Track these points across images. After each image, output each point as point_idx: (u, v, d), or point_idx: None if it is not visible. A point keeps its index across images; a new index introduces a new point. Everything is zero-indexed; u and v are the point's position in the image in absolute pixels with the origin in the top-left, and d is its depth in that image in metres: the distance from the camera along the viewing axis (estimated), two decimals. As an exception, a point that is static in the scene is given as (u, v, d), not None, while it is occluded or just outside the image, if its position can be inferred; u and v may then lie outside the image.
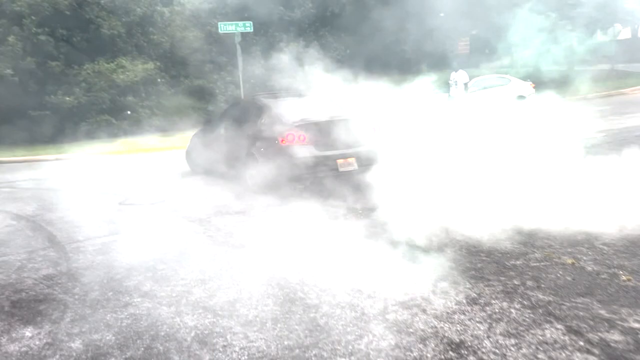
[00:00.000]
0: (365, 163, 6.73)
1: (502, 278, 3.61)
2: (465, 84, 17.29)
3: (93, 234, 5.52)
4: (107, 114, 16.61)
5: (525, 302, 3.19)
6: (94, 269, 4.31)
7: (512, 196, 5.15)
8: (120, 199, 7.44)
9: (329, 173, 6.87)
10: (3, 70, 15.77)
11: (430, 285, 3.53)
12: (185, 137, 13.74)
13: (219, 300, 3.49)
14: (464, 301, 3.27)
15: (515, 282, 3.52)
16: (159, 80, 17.79)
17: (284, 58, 17.46)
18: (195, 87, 18.70)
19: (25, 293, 3.84)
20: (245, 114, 7.98)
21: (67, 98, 16.06)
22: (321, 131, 6.96)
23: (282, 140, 6.85)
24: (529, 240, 4.37)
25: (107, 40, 17.52)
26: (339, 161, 6.88)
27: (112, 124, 16.44)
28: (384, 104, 7.89)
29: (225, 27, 17.03)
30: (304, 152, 6.78)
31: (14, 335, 3.17)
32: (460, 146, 6.46)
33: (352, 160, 6.94)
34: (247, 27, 16.99)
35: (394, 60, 19.71)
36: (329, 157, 6.86)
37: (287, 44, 20.04)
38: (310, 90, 7.82)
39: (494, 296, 3.32)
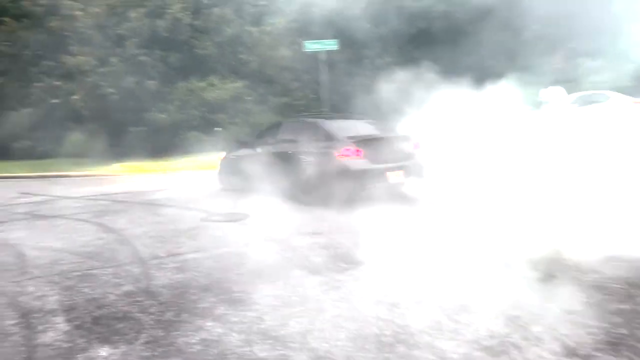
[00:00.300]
0: (411, 176, 7.53)
1: (605, 325, 3.17)
2: (559, 100, 16.20)
3: (175, 251, 5.63)
4: (198, 130, 17.35)
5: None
6: (171, 288, 4.35)
7: (607, 219, 4.63)
8: (203, 215, 7.60)
9: (381, 185, 7.51)
10: (106, 89, 17.03)
11: (519, 328, 3.17)
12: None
13: (291, 330, 3.35)
14: (559, 351, 2.89)
15: (623, 332, 3.07)
16: (247, 98, 18.33)
17: (369, 74, 17.39)
18: (282, 104, 19.08)
19: (106, 309, 3.92)
20: (294, 132, 8.59)
21: (162, 115, 16.98)
22: (372, 146, 7.64)
23: (339, 155, 7.52)
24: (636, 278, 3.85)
25: (200, 59, 18.37)
26: (389, 173, 7.55)
27: (202, 139, 17.13)
28: (466, 118, 7.61)
29: (311, 46, 17.28)
30: (359, 165, 7.46)
31: (91, 353, 3.21)
32: (544, 163, 6.00)
33: (400, 172, 7.64)
34: (333, 45, 17.14)
35: (484, 74, 18.97)
36: (381, 169, 7.52)
37: (372, 60, 19.99)
38: (366, 110, 8.08)
39: (596, 347, 2.91)
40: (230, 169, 9.80)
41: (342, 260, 4.85)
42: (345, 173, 7.39)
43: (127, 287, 4.43)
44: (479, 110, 8.04)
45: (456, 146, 7.81)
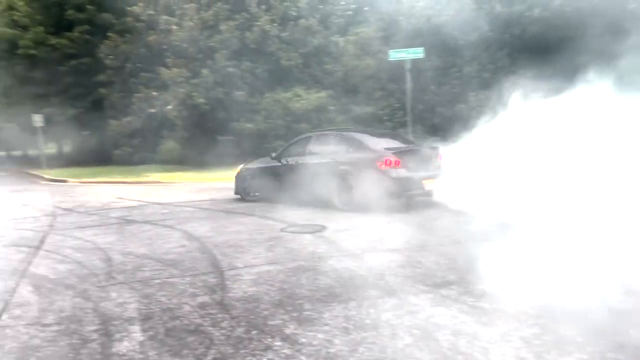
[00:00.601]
0: (441, 184, 8.07)
1: None
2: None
3: (252, 262, 5.64)
4: (283, 139, 17.61)
5: None
6: (244, 302, 4.32)
7: None
8: (282, 225, 7.61)
9: (417, 192, 8.32)
10: (197, 99, 17.81)
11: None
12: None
13: (360, 358, 3.16)
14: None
15: None
16: (330, 107, 18.38)
17: (456, 83, 16.76)
18: (365, 114, 18.93)
19: (180, 321, 3.95)
20: (326, 145, 9.29)
21: (249, 125, 17.45)
22: (407, 157, 8.41)
23: (381, 164, 8.23)
24: None
25: (286, 70, 18.70)
26: (424, 181, 8.28)
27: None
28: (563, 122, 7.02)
29: (396, 55, 17.01)
30: (399, 173, 8.20)
31: (160, 366, 3.23)
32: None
33: (432, 180, 8.29)
34: (419, 53, 16.75)
35: (583, 81, 17.68)
36: (418, 177, 8.28)
37: (460, 68, 19.31)
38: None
39: None
40: (256, 179, 10.35)
41: (420, 282, 4.59)
42: (388, 181, 8.10)
43: (203, 298, 4.46)
44: (575, 119, 7.40)
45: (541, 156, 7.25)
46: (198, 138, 18.67)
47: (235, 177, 10.88)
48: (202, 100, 17.95)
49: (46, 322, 4.01)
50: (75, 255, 6.30)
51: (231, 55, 18.24)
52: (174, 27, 18.86)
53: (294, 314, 3.95)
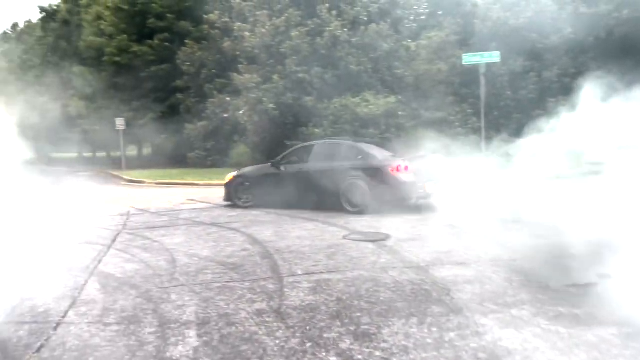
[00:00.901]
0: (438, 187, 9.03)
1: None
2: None
3: (311, 269, 5.53)
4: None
5: None
6: (301, 311, 4.20)
7: None
8: (344, 233, 7.45)
9: (422, 195, 8.97)
10: (267, 104, 18.07)
11: None
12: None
13: (419, 381, 2.95)
14: None
15: None
16: (399, 113, 18.03)
17: (533, 88, 15.92)
18: (435, 119, 18.43)
19: (235, 327, 3.89)
20: (332, 153, 9.83)
21: (316, 130, 17.45)
22: (412, 163, 9.06)
23: (393, 170, 8.97)
24: None
25: (355, 76, 18.56)
26: (426, 185, 9.04)
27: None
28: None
29: (470, 59, 16.45)
30: (408, 178, 8.94)
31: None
32: None
33: (431, 184, 9.08)
34: (494, 57, 16.10)
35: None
36: (422, 181, 8.99)
37: (539, 73, 18.36)
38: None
39: None
40: (254, 186, 10.51)
41: (490, 300, 4.28)
42: (400, 185, 8.87)
43: (260, 305, 4.39)
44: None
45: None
46: (267, 143, 18.90)
47: (227, 184, 10.99)
48: (271, 105, 18.17)
49: (108, 322, 4.09)
50: (143, 255, 6.47)
51: (301, 61, 18.34)
52: (247, 33, 19.25)
53: (351, 328, 3.78)
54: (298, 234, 7.52)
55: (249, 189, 10.62)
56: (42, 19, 40.65)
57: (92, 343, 3.65)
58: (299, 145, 10.88)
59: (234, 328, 3.88)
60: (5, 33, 53.21)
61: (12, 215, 6.57)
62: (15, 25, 54.71)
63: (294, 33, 18.32)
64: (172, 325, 3.96)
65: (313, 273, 5.37)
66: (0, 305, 4.37)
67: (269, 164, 10.66)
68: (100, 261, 6.25)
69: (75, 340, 3.70)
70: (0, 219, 6.16)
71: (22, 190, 7.48)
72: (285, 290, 4.81)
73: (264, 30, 18.88)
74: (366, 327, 3.79)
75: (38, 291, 4.78)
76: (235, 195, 10.73)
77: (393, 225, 7.85)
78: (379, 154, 9.63)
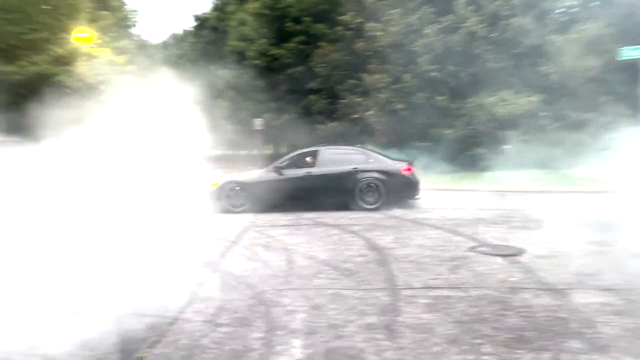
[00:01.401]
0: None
1: None
2: None
3: (430, 282, 5.14)
4: (484, 147, 16.45)
5: None
6: (415, 330, 3.87)
7: None
8: (471, 244, 6.89)
9: (419, 191, 10.54)
10: (397, 105, 17.70)
11: None
12: (566, 175, 13.09)
13: None
14: None
15: None
16: (541, 113, 16.56)
17: None
18: (583, 120, 16.63)
19: (342, 341, 3.68)
20: (340, 157, 10.74)
21: (447, 131, 16.71)
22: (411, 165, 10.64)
23: (403, 170, 10.43)
24: None
25: (492, 73, 17.43)
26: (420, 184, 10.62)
27: (485, 157, 16.18)
28: None
29: (630, 53, 14.59)
30: (414, 177, 10.53)
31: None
32: None
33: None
34: (660, 49, 14.07)
35: None
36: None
37: None
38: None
39: None
40: (251, 192, 10.50)
41: (644, 339, 3.57)
42: (409, 183, 10.43)
43: (371, 319, 4.14)
44: None
45: None
46: (395, 144, 18.54)
47: (216, 190, 10.57)
48: (401, 105, 17.77)
49: (219, 322, 4.12)
50: (263, 254, 6.56)
51: (434, 59, 17.68)
52: (379, 32, 19.04)
53: (470, 357, 3.37)
54: (420, 242, 7.11)
55: (246, 195, 10.55)
56: (195, 27, 44.42)
57: (201, 343, 3.68)
58: (301, 151, 11.44)
59: (340, 342, 3.68)
60: (164, 42, 59.14)
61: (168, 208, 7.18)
62: (174, 35, 60.58)
63: (427, 30, 17.72)
64: (279, 332, 3.87)
65: (432, 287, 4.97)
66: (128, 296, 4.64)
67: (268, 168, 11.10)
68: (223, 257, 6.46)
69: (186, 339, 3.77)
70: (149, 212, 6.78)
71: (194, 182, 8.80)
72: (400, 304, 4.50)
73: (396, 29, 18.53)
74: (487, 357, 3.35)
75: (163, 284, 5.02)
76: (226, 202, 10.55)
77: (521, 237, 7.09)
78: (385, 158, 10.95)
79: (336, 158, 10.79)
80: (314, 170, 10.64)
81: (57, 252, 5.37)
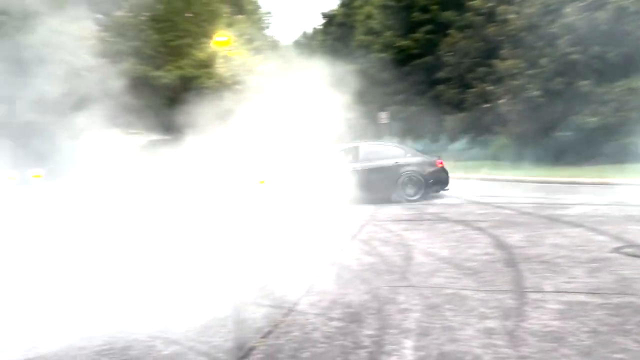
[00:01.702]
0: None
1: None
2: None
3: (564, 286, 4.64)
4: (635, 135, 14.60)
5: None
6: (541, 339, 3.50)
7: None
8: (616, 244, 6.12)
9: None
10: (532, 91, 16.40)
11: None
12: None
13: None
14: None
15: None
16: None
17: None
18: None
19: (457, 345, 3.45)
20: (380, 152, 11.44)
21: (592, 119, 15.11)
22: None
23: (439, 163, 11.25)
24: None
25: (649, 52, 15.40)
26: None
27: (638, 147, 14.35)
28: None
29: None
30: (446, 170, 11.42)
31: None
32: None
33: None
34: None
35: None
36: None
37: None
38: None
39: None
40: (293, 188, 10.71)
41: None
42: (442, 176, 11.26)
43: (491, 323, 3.84)
44: None
45: None
46: (531, 133, 17.23)
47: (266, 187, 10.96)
48: (537, 92, 16.44)
49: (332, 316, 4.11)
50: (381, 249, 6.46)
51: (575, 40, 16.06)
52: (512, 15, 17.81)
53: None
54: (555, 241, 6.49)
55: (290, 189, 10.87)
56: (324, 24, 45.41)
57: (312, 337, 3.69)
58: (345, 147, 11.75)
59: (455, 346, 3.46)
60: (296, 41, 61.38)
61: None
62: (304, 34, 62.62)
63: (567, 9, 16.15)
64: (391, 331, 3.75)
65: (565, 292, 4.49)
66: (252, 284, 4.84)
67: (313, 164, 11.16)
68: (342, 250, 6.48)
69: (298, 331, 3.81)
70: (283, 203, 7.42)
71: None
72: (526, 309, 4.11)
73: (532, 10, 17.17)
74: (627, 376, 2.92)
75: (282, 274, 5.16)
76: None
77: None
78: (418, 152, 11.81)
79: (380, 154, 11.43)
80: (356, 165, 11.17)
81: (194, 239, 5.84)
